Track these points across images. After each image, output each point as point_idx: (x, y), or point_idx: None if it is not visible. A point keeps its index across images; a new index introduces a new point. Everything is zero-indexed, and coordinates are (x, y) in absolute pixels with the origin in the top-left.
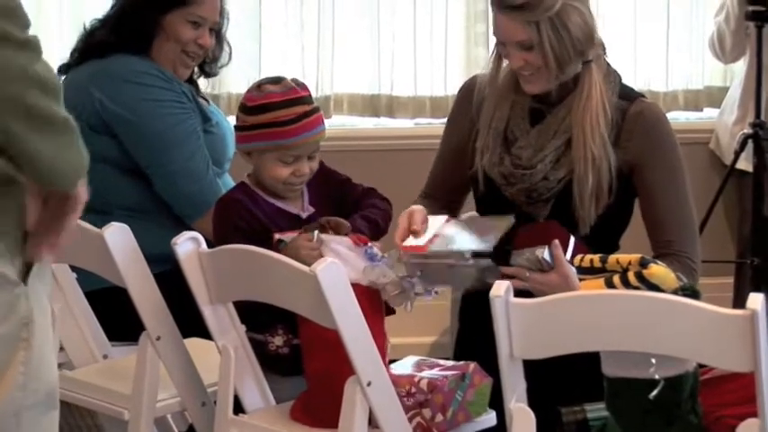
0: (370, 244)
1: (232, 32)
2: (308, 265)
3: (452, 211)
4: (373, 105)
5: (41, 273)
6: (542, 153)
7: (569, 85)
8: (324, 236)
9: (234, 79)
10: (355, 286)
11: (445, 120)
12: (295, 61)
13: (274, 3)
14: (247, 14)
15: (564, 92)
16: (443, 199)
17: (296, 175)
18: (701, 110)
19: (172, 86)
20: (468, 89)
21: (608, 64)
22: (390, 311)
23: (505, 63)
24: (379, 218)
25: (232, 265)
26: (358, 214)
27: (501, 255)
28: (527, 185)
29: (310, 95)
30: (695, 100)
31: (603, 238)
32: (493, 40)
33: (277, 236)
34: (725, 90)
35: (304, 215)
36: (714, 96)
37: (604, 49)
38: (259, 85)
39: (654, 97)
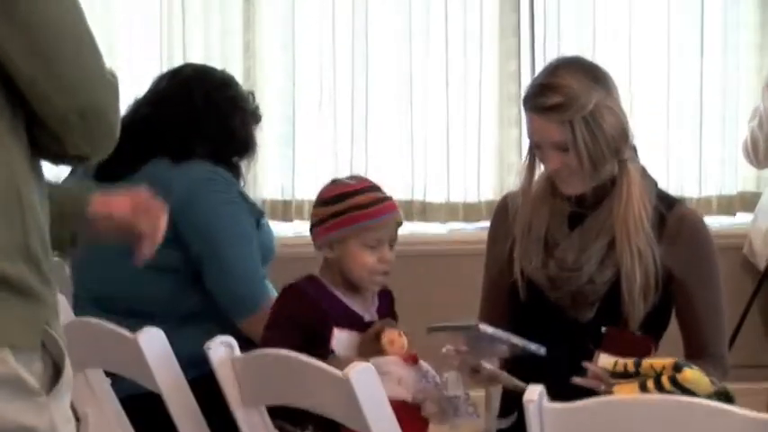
0: (420, 362)
1: (266, 137)
2: None
3: None
4: (406, 210)
5: (66, 383)
6: (586, 254)
7: (607, 187)
8: (375, 360)
9: (268, 185)
10: (399, 403)
11: (477, 225)
12: (328, 167)
13: (308, 108)
14: (281, 120)
15: (602, 193)
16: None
17: (381, 261)
18: (735, 215)
19: (231, 186)
20: (502, 208)
21: (643, 168)
22: None
23: (538, 172)
24: None
25: (265, 369)
26: None
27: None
28: (573, 288)
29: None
30: (728, 205)
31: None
32: (526, 146)
33: (334, 343)
34: (758, 195)
35: (367, 318)
36: (747, 201)
37: (636, 151)
38: (334, 181)
39: (687, 202)
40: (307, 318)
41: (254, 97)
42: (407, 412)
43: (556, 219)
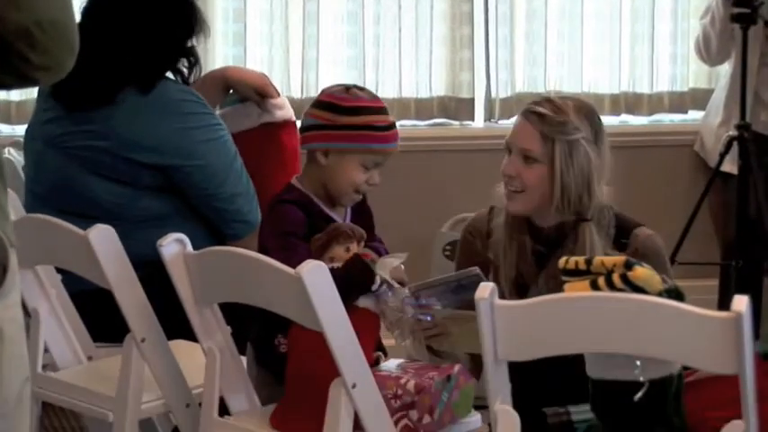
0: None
1: (217, 37)
2: None
3: None
4: None
5: (11, 281)
6: None
7: (565, 229)
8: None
9: None
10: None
11: (430, 121)
12: (280, 63)
13: (259, 7)
14: (232, 19)
15: (560, 234)
16: None
17: (368, 182)
18: (686, 112)
19: (206, 107)
20: (474, 232)
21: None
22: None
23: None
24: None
25: (218, 266)
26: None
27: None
28: None
29: None
30: (680, 102)
31: None
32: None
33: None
34: (710, 92)
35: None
36: (699, 99)
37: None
38: (347, 89)
39: (638, 99)
40: (304, 233)
41: None
42: (362, 317)
43: (522, 259)
